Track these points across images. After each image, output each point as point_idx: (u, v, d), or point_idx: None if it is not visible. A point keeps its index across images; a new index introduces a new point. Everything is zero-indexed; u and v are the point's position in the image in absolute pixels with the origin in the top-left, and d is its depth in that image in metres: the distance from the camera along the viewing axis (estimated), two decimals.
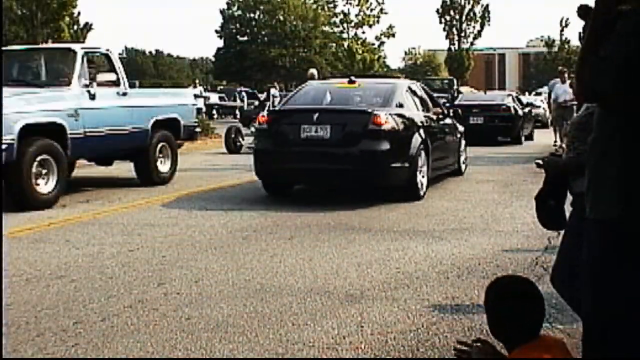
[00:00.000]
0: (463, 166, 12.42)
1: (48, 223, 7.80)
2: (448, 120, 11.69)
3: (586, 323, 2.47)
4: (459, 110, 13.19)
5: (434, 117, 10.91)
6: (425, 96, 11.19)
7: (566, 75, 17.13)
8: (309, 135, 9.20)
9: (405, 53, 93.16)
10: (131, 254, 6.33)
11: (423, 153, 9.76)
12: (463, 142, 12.43)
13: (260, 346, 4.05)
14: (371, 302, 4.86)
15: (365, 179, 9.29)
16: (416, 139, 9.60)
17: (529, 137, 20.83)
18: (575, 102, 16.32)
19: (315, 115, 9.25)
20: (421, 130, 9.85)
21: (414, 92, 10.74)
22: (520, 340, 2.51)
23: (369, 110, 9.25)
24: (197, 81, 34.77)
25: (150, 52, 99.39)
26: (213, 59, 75.16)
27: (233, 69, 65.69)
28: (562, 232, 3.72)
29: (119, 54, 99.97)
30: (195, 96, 28.38)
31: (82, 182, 11.32)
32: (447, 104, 17.65)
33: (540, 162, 3.65)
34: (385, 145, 9.06)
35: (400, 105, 9.82)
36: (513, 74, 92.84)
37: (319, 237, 7.00)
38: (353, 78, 10.88)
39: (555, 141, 17.00)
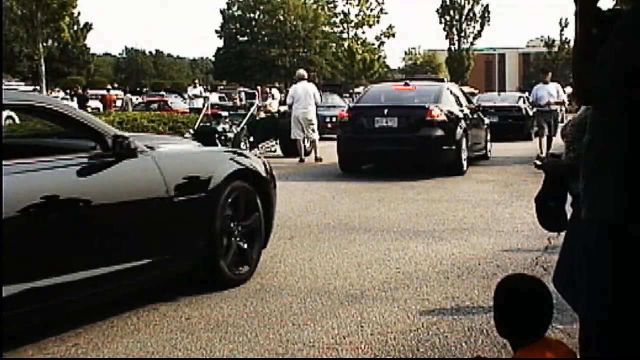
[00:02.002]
0: (489, 152, 15.40)
1: None
2: (477, 115, 14.68)
3: (584, 323, 2.47)
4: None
5: (468, 111, 13.72)
6: (460, 95, 14.25)
7: (549, 75, 15.67)
8: (381, 125, 12.27)
9: (405, 53, 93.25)
10: None
11: (464, 139, 12.63)
12: (488, 132, 15.48)
13: (260, 346, 4.05)
14: (371, 302, 4.86)
15: (423, 158, 12.27)
16: (459, 128, 12.54)
17: (537, 135, 22.09)
18: (557, 106, 15.61)
19: (386, 110, 12.31)
20: (462, 121, 12.77)
21: (452, 92, 13.73)
22: (526, 339, 2.51)
23: (425, 106, 12.20)
24: (196, 81, 34.73)
25: (150, 52, 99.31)
26: (213, 59, 75.21)
27: (233, 69, 65.74)
28: (563, 232, 3.72)
29: (119, 54, 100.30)
30: (195, 96, 28.48)
31: None
32: None
33: (539, 162, 3.65)
34: (438, 132, 12.06)
35: (446, 102, 12.73)
36: (513, 74, 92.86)
37: (319, 237, 7.00)
38: (408, 82, 14.20)
39: (540, 154, 14.02)
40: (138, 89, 54.12)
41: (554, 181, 3.56)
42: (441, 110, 12.25)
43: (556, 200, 3.59)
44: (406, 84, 13.95)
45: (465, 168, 12.57)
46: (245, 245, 5.40)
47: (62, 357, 3.94)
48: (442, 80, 15.95)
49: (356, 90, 36.64)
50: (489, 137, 15.38)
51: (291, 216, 8.15)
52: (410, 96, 13.08)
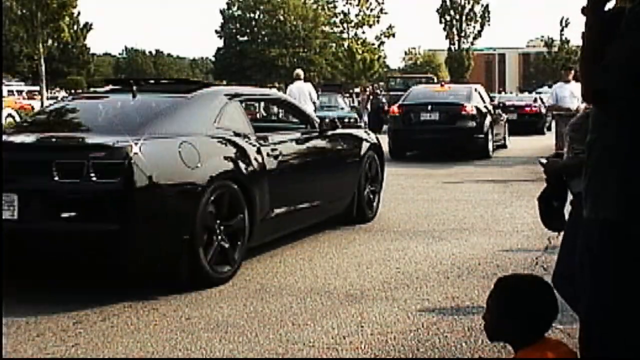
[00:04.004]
0: (507, 142, 18.48)
1: None
2: (499, 111, 17.82)
3: (584, 323, 2.47)
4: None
5: (491, 108, 16.84)
6: (484, 94, 17.37)
7: (572, 74, 13.27)
8: (425, 119, 15.51)
9: (405, 53, 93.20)
10: None
11: (490, 130, 15.88)
12: (506, 126, 18.68)
13: (260, 346, 4.05)
14: (371, 302, 4.86)
15: (459, 145, 15.26)
16: (487, 121, 15.82)
17: (548, 129, 26.11)
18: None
19: (429, 107, 15.54)
20: (488, 116, 16.03)
21: (479, 92, 16.76)
22: (528, 339, 2.49)
23: (460, 103, 15.50)
24: None
25: (150, 52, 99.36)
26: (213, 59, 75.19)
27: (233, 69, 65.69)
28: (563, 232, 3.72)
29: (119, 53, 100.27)
30: None
31: None
32: None
33: (544, 161, 3.65)
34: (471, 124, 15.30)
35: (475, 100, 15.89)
36: (513, 74, 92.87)
37: (319, 237, 7.00)
38: (444, 84, 18.22)
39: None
40: None
41: (555, 181, 3.56)
42: (472, 107, 15.47)
43: (559, 199, 3.59)
44: (442, 86, 18.15)
45: (491, 153, 15.82)
46: (372, 195, 8.02)
47: (62, 357, 3.94)
48: (431, 80, 19.20)
49: (356, 90, 36.55)
50: (507, 130, 18.65)
51: None
52: (447, 95, 16.34)
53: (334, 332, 4.26)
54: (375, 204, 8.04)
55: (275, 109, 8.73)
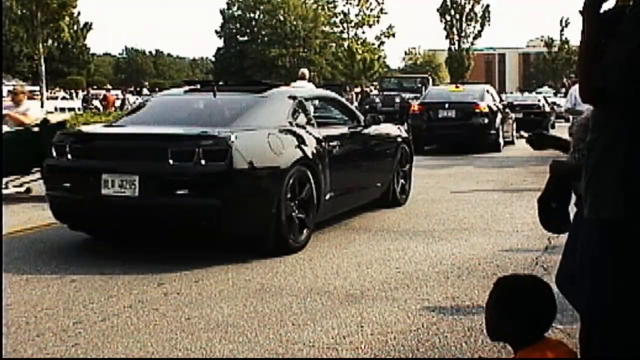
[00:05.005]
0: (515, 139, 19.92)
1: (48, 223, 7.79)
2: (506, 110, 19.30)
3: (585, 323, 2.47)
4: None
5: (501, 107, 18.58)
6: (495, 94, 19.21)
7: None
8: (443, 116, 17.42)
9: (406, 53, 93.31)
10: (131, 254, 6.33)
11: (501, 126, 17.66)
12: (514, 124, 20.44)
13: (260, 346, 4.05)
14: (371, 302, 4.86)
15: (473, 140, 17.00)
16: (498, 118, 17.59)
17: (552, 127, 28.31)
18: None
19: (447, 105, 17.57)
20: (499, 113, 17.77)
21: (490, 92, 18.59)
22: (528, 340, 2.49)
23: (474, 102, 17.41)
24: None
25: (150, 52, 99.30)
26: (213, 59, 75.25)
27: (233, 69, 65.77)
28: (563, 232, 3.72)
29: (119, 53, 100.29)
30: None
31: None
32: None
33: (527, 136, 3.66)
34: (484, 121, 17.11)
35: (487, 99, 17.69)
36: (513, 74, 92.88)
37: (319, 237, 6.99)
38: (459, 85, 20.32)
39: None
40: (138, 89, 54.11)
41: (559, 181, 3.55)
42: (485, 105, 17.32)
43: (559, 201, 3.58)
44: (457, 86, 20.11)
45: (501, 148, 17.51)
46: (402, 180, 9.09)
47: (62, 357, 3.94)
48: (426, 80, 22.28)
49: (356, 90, 36.51)
50: (515, 127, 20.39)
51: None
52: (462, 94, 18.30)
53: (334, 332, 4.25)
54: (407, 189, 9.19)
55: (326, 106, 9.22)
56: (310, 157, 6.70)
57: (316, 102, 8.13)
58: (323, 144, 7.03)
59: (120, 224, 6.34)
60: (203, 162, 5.80)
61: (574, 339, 3.80)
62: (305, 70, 15.68)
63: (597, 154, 2.35)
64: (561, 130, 23.44)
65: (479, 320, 4.40)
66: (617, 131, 2.29)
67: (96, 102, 32.90)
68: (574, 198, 3.55)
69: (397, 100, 27.20)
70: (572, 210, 3.58)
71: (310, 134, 6.95)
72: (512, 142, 19.44)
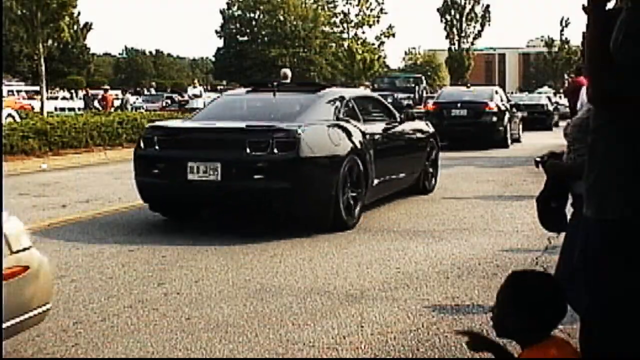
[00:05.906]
0: (522, 137, 21.09)
1: (48, 223, 7.80)
2: (513, 110, 20.75)
3: (585, 322, 2.47)
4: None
5: (508, 106, 20.11)
6: (503, 95, 21.01)
7: None
8: (455, 114, 19.12)
9: (405, 53, 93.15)
10: (131, 254, 6.34)
11: (508, 124, 19.25)
12: (521, 122, 21.57)
13: (260, 346, 4.05)
14: (371, 302, 4.86)
15: (484, 137, 18.47)
16: (506, 117, 19.20)
17: (555, 125, 29.75)
18: None
19: (459, 104, 19.31)
20: (507, 112, 19.33)
21: (498, 93, 20.34)
22: (537, 337, 2.47)
23: (484, 101, 19.09)
24: (196, 81, 34.66)
25: (150, 52, 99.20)
26: (213, 59, 75.23)
27: (233, 69, 65.78)
28: (563, 232, 3.72)
29: (119, 53, 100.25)
30: (195, 96, 28.43)
31: (82, 182, 11.31)
32: (410, 105, 27.82)
33: (538, 159, 3.63)
34: (493, 119, 18.77)
35: (496, 99, 19.36)
36: (513, 74, 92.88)
37: (319, 237, 7.00)
38: (470, 85, 22.48)
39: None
40: (138, 89, 54.10)
41: (555, 182, 3.55)
42: (494, 104, 18.95)
43: (558, 200, 3.58)
44: (467, 87, 22.47)
45: (509, 144, 18.99)
46: (431, 169, 10.21)
47: (62, 357, 3.94)
48: (419, 80, 26.14)
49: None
50: (521, 126, 21.50)
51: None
52: (473, 95, 20.17)
53: (334, 332, 4.25)
54: (434, 179, 10.27)
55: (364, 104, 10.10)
56: (359, 147, 7.71)
57: (360, 100, 8.85)
58: (368, 137, 8.05)
59: (204, 203, 7.74)
60: (275, 151, 6.90)
61: (574, 339, 3.80)
62: (287, 70, 15.69)
63: (597, 153, 2.34)
64: (561, 127, 23.67)
65: (479, 320, 4.40)
66: (617, 131, 2.28)
67: (96, 103, 32.85)
68: (571, 199, 3.55)
69: (390, 100, 27.25)
70: (570, 210, 3.58)
71: (358, 128, 7.94)
72: (518, 140, 20.56)
